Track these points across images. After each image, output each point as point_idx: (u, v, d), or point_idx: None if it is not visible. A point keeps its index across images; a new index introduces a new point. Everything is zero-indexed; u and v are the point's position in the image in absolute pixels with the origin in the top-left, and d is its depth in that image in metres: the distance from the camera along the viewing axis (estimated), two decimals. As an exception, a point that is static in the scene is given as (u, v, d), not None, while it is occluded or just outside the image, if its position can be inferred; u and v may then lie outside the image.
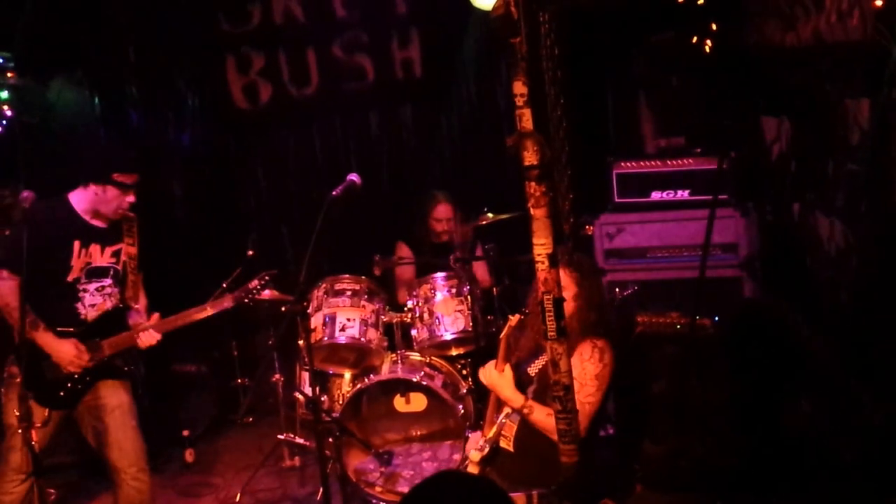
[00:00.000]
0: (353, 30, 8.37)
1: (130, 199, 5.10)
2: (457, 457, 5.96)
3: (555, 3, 2.99)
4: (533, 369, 4.81)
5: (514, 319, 4.80)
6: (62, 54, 7.48)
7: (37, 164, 6.87)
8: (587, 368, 4.49)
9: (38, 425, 4.61)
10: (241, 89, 8.56)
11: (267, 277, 5.54)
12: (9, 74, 6.74)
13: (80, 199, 5.11)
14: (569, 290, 4.50)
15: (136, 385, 5.39)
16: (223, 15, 8.45)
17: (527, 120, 3.14)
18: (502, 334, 4.82)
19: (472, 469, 4.72)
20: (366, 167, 5.91)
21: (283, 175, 8.85)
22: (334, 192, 5.12)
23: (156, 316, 5.26)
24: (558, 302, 3.26)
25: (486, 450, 4.72)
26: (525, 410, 4.55)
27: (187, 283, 6.33)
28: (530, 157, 3.16)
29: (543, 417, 4.45)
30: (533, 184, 3.19)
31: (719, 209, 5.95)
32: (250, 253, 6.94)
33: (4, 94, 6.78)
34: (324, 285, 6.37)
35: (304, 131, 8.78)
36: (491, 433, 4.76)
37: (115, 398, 5.18)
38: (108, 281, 5.20)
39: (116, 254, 5.22)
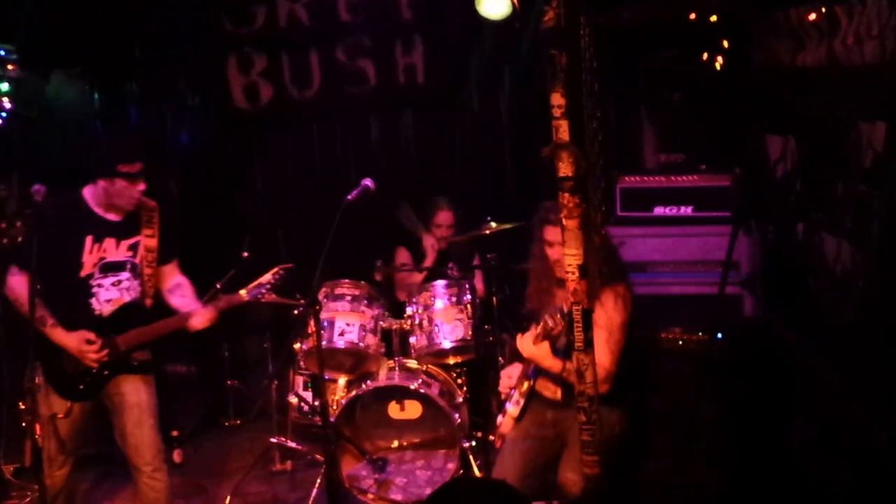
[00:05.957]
0: (357, 34, 8.35)
1: (140, 187, 5.04)
2: (451, 465, 5.98)
3: (598, 17, 3.00)
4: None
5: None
6: (63, 49, 7.42)
7: (34, 158, 6.83)
8: (613, 318, 4.63)
9: (61, 416, 4.92)
10: (241, 89, 8.52)
11: (281, 272, 5.49)
12: (9, 67, 6.69)
13: (93, 194, 5.08)
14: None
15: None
16: (227, 15, 8.40)
17: (563, 131, 3.15)
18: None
19: (508, 423, 4.95)
20: (365, 171, 5.86)
21: (281, 177, 8.85)
22: (349, 197, 5.12)
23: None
24: (587, 313, 3.26)
25: (522, 403, 4.92)
26: (564, 374, 4.63)
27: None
28: (565, 169, 3.18)
29: None
30: (566, 195, 3.22)
31: (721, 226, 5.98)
32: (245, 254, 6.96)
33: (4, 87, 6.71)
34: (323, 289, 6.30)
35: (303, 133, 8.78)
36: (524, 387, 4.94)
37: (134, 395, 5.15)
38: (126, 275, 5.14)
39: (133, 247, 5.16)
